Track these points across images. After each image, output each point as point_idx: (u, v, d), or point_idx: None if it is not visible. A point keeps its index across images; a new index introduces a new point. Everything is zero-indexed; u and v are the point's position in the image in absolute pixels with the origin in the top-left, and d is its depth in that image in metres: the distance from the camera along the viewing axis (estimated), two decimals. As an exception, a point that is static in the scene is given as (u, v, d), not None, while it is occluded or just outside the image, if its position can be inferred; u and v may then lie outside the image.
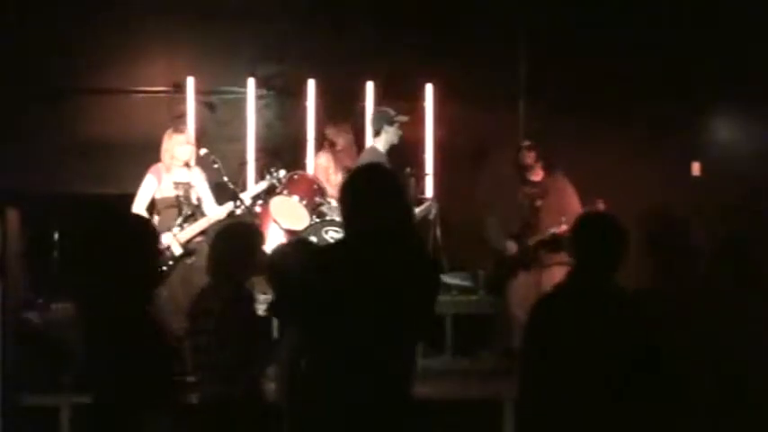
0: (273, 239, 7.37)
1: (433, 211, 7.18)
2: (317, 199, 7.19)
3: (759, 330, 3.74)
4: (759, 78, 8.24)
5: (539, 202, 6.99)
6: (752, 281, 3.84)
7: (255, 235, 4.52)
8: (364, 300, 3.21)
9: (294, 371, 3.80)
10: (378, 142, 6.93)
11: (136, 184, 6.78)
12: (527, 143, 7.14)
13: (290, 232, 7.26)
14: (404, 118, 6.92)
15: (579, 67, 8.30)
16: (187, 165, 6.74)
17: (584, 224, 3.66)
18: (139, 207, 6.66)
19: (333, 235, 6.90)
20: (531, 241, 6.89)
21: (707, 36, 8.24)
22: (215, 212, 6.66)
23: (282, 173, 7.08)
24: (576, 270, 3.55)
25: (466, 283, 7.59)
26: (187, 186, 6.70)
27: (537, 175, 7.08)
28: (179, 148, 6.68)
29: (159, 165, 6.73)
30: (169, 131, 6.81)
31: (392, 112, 6.90)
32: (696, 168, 8.73)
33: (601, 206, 6.63)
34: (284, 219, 7.22)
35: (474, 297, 7.45)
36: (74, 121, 8.27)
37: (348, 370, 3.21)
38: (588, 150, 7.73)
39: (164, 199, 6.67)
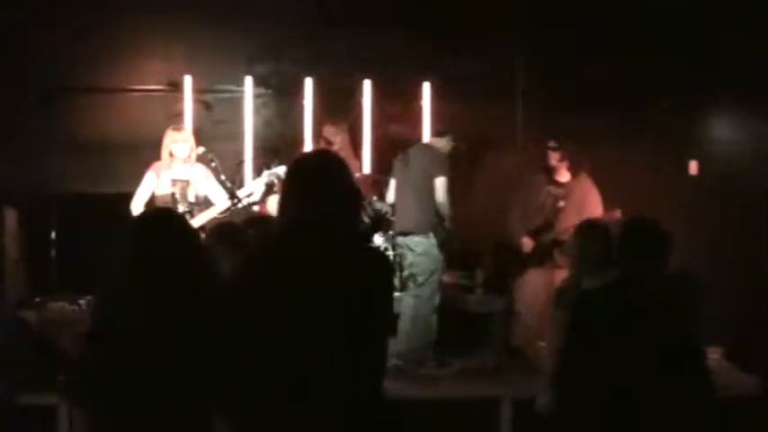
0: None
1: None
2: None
3: None
4: (757, 77, 8.23)
5: (561, 203, 7.01)
6: None
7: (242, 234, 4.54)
8: (308, 302, 2.92)
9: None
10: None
11: (134, 182, 6.78)
12: (552, 144, 7.12)
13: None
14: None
15: (578, 66, 8.29)
16: (188, 162, 6.75)
17: (630, 229, 3.91)
18: (138, 204, 6.70)
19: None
20: (547, 239, 6.91)
21: (707, 35, 8.24)
22: (224, 206, 6.67)
23: (282, 169, 7.06)
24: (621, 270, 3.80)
25: (464, 282, 7.57)
26: (185, 184, 6.72)
27: (563, 176, 7.11)
28: (176, 145, 6.72)
29: (160, 162, 6.78)
30: (168, 129, 6.85)
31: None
32: (693, 167, 8.72)
33: (618, 215, 6.67)
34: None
35: (473, 296, 7.43)
36: (71, 120, 8.25)
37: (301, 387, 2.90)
38: (587, 150, 7.70)
39: (161, 196, 6.71)
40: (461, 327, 7.00)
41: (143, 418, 3.17)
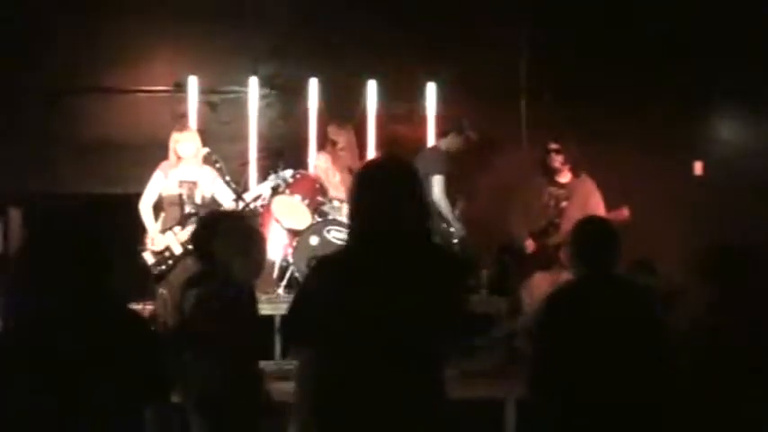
0: (276, 239, 7.38)
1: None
2: (319, 198, 7.20)
3: None
4: (762, 77, 8.23)
5: (564, 204, 7.00)
6: None
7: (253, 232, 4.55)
8: (393, 315, 2.88)
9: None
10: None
11: (138, 183, 6.79)
12: (554, 146, 7.09)
13: (291, 231, 7.26)
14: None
15: (580, 66, 8.29)
16: (195, 163, 6.76)
17: (584, 229, 4.01)
18: (146, 203, 6.72)
19: (335, 234, 6.91)
20: (552, 241, 6.90)
21: (708, 35, 8.23)
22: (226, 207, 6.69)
23: (289, 172, 7.09)
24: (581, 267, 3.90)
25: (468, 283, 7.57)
26: (192, 185, 6.72)
27: (564, 177, 7.09)
28: (180, 145, 6.71)
29: (168, 161, 6.78)
30: (176, 129, 6.87)
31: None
32: (698, 168, 8.71)
33: (626, 213, 6.67)
34: (286, 218, 7.23)
35: (476, 296, 7.42)
36: (74, 120, 8.27)
37: (378, 393, 2.89)
38: (589, 150, 7.70)
39: (168, 196, 6.71)
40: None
41: None
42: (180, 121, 7.66)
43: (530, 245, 6.99)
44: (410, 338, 2.90)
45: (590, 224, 4.14)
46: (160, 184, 6.72)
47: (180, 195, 6.67)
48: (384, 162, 3.39)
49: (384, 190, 2.98)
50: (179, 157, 6.72)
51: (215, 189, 6.79)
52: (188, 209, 6.61)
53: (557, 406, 3.72)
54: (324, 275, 3.01)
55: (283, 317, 3.35)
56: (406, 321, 2.89)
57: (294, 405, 3.80)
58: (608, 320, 3.72)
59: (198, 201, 6.71)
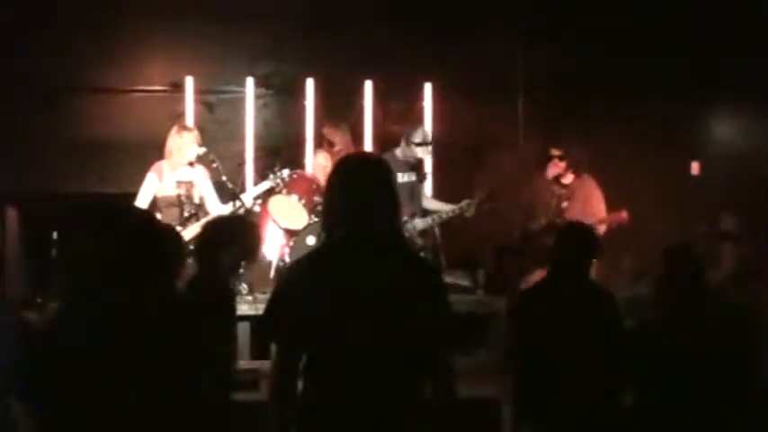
0: (273, 239, 7.38)
1: (472, 210, 6.98)
2: (316, 198, 7.20)
3: None
4: (759, 77, 8.23)
5: (565, 204, 7.03)
6: None
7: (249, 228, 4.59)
8: (368, 313, 2.87)
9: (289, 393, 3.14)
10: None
11: (135, 183, 6.77)
12: (557, 152, 7.14)
13: (288, 231, 7.26)
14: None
15: (578, 66, 8.29)
16: (191, 163, 6.72)
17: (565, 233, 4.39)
18: (141, 205, 6.62)
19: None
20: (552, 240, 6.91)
21: (707, 35, 8.23)
22: (218, 211, 6.64)
23: (286, 172, 7.07)
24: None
25: (465, 283, 7.57)
26: (189, 185, 6.68)
27: (567, 178, 7.13)
28: (187, 147, 6.64)
29: (162, 162, 6.69)
30: (176, 129, 6.76)
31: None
32: (695, 168, 8.72)
33: (624, 215, 6.74)
34: (283, 218, 7.22)
35: (473, 296, 7.43)
36: (73, 120, 8.26)
37: (353, 396, 2.89)
38: (587, 149, 7.70)
39: (165, 197, 6.65)
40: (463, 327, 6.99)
41: None
42: (177, 121, 7.61)
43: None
44: (386, 337, 2.88)
45: (571, 230, 4.45)
46: (154, 185, 6.65)
47: (178, 196, 6.62)
48: (358, 161, 3.32)
49: (358, 189, 2.98)
50: (182, 158, 6.64)
51: (204, 189, 6.74)
52: (187, 209, 6.58)
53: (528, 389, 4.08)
54: (299, 275, 2.99)
55: (259, 316, 3.35)
56: (381, 320, 2.88)
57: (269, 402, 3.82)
58: (571, 318, 3.99)
59: (196, 200, 6.68)
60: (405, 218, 6.81)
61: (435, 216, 7.06)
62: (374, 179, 3.02)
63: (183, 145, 6.64)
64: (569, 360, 3.93)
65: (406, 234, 6.70)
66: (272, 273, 7.22)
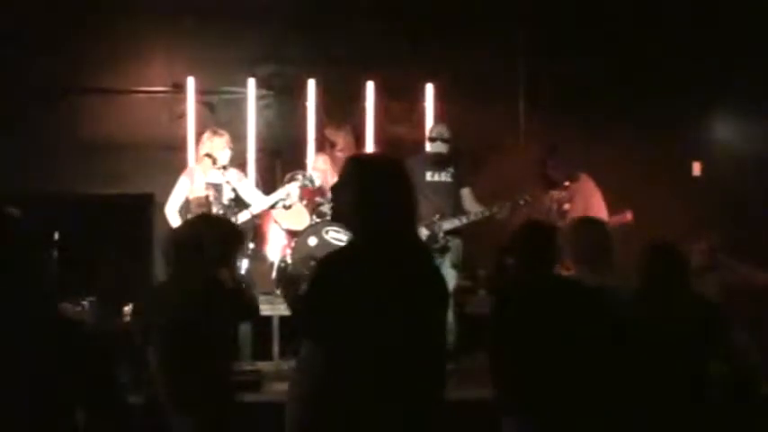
0: (275, 240, 7.38)
1: (505, 213, 6.83)
2: (318, 199, 7.20)
3: None
4: (760, 78, 8.24)
5: (566, 206, 7.04)
6: None
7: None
8: (392, 314, 2.90)
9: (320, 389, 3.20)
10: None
11: (136, 183, 6.80)
12: (551, 162, 7.17)
13: (290, 232, 7.27)
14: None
15: (579, 66, 8.30)
16: (224, 167, 6.79)
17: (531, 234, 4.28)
18: (172, 207, 6.77)
19: (333, 235, 6.90)
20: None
21: (707, 35, 8.24)
22: (264, 205, 6.79)
23: (315, 174, 7.15)
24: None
25: (466, 283, 7.58)
26: (219, 187, 6.77)
27: (564, 181, 7.14)
28: (221, 151, 6.76)
29: (194, 167, 6.84)
30: (208, 134, 6.87)
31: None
32: (696, 168, 8.72)
33: (629, 216, 6.75)
34: (284, 219, 7.23)
35: (475, 297, 7.44)
36: (74, 120, 8.26)
37: (378, 392, 2.91)
38: (588, 150, 7.71)
39: (195, 199, 6.76)
40: (462, 328, 7.00)
41: None
42: (178, 122, 7.62)
43: None
44: (416, 336, 2.94)
45: (537, 229, 4.36)
46: (186, 189, 6.79)
47: (207, 197, 6.72)
48: (389, 159, 3.30)
49: (398, 187, 3.00)
50: (214, 162, 6.72)
51: (242, 189, 6.82)
52: (215, 209, 6.64)
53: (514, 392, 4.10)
54: (335, 272, 2.96)
55: (295, 311, 3.35)
56: (414, 319, 2.93)
57: (290, 399, 3.84)
58: (554, 315, 3.97)
59: (225, 201, 6.73)
60: (435, 217, 6.74)
61: (463, 217, 6.85)
62: (392, 180, 3.03)
63: (215, 149, 6.74)
64: (552, 360, 3.91)
65: (434, 233, 6.67)
66: (274, 273, 7.22)
